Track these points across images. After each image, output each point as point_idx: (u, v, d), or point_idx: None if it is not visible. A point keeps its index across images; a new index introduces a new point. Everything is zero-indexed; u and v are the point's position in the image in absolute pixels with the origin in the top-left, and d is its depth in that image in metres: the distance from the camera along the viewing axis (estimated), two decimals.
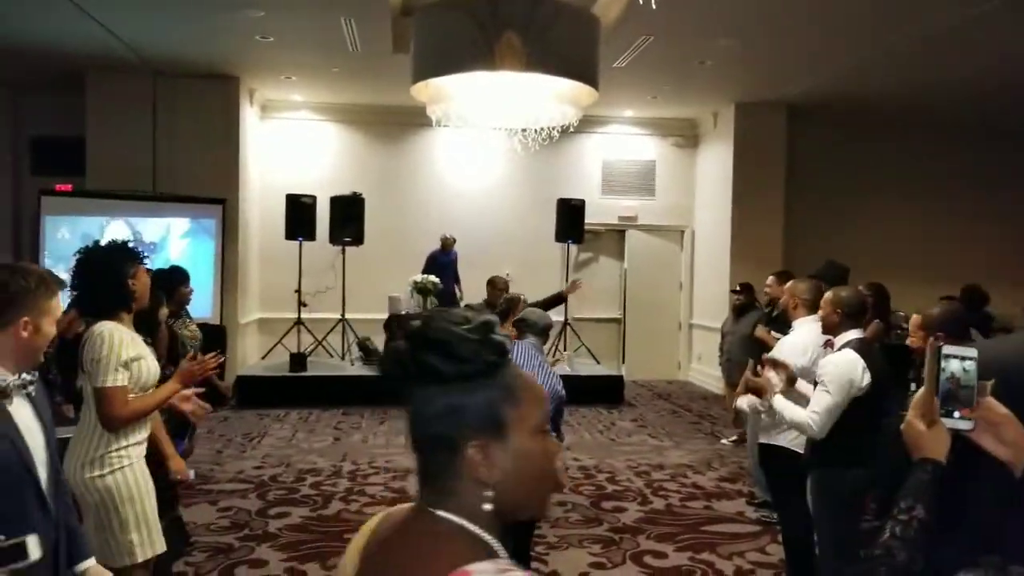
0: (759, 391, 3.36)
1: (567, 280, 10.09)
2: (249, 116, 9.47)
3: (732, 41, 7.18)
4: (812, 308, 3.72)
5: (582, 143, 10.33)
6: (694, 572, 4.15)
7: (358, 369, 9.19)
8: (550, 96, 6.27)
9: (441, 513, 0.96)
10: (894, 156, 10.34)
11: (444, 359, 0.96)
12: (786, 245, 9.70)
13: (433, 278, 8.95)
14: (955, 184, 10.39)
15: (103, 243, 2.79)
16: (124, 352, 2.54)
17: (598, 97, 6.37)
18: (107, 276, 2.62)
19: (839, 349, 3.19)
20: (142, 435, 2.66)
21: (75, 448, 2.57)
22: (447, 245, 9.56)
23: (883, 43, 7.13)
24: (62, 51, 7.83)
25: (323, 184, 9.62)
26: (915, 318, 3.29)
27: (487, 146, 10.19)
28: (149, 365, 2.65)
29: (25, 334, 1.86)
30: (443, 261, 9.55)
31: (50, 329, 1.94)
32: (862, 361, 3.06)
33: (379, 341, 9.33)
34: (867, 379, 3.05)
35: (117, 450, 2.55)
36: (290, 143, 10.17)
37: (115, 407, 2.50)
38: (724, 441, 7.14)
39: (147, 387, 2.65)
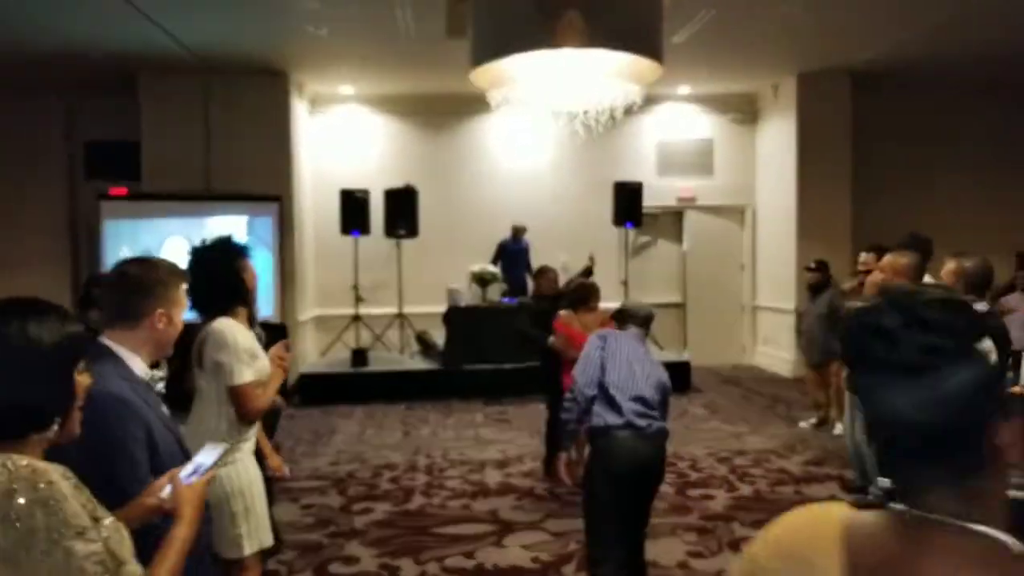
0: None
1: (626, 265, 9.89)
2: (299, 111, 9.44)
3: (794, 8, 6.88)
4: (916, 282, 3.50)
5: (637, 123, 10.06)
6: None
7: (418, 363, 9.11)
8: (613, 73, 6.07)
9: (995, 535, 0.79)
10: (962, 125, 9.89)
11: (947, 337, 0.84)
12: (854, 221, 9.34)
13: (492, 268, 8.83)
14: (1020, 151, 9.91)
15: (209, 240, 2.73)
16: (247, 347, 2.53)
17: (662, 72, 6.14)
18: (221, 272, 2.58)
19: None
20: (252, 431, 2.61)
21: (192, 443, 2.51)
22: (518, 233, 9.43)
23: (949, 7, 6.78)
24: (113, 53, 7.84)
25: (376, 177, 9.55)
26: (950, 264, 3.13)
27: (539, 131, 10.01)
28: (263, 358, 2.60)
29: (160, 326, 1.90)
30: (513, 249, 9.42)
31: (180, 320, 1.98)
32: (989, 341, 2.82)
33: (438, 335, 9.24)
34: (993, 359, 2.81)
35: (232, 445, 2.48)
36: (340, 137, 10.11)
37: (253, 402, 2.54)
38: (803, 424, 6.88)
39: (263, 381, 2.60)
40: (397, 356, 9.45)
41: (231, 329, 2.55)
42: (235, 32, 7.40)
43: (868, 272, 4.76)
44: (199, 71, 8.43)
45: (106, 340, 1.85)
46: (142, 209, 8.56)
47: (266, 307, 8.36)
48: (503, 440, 6.62)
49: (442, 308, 9.02)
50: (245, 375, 2.51)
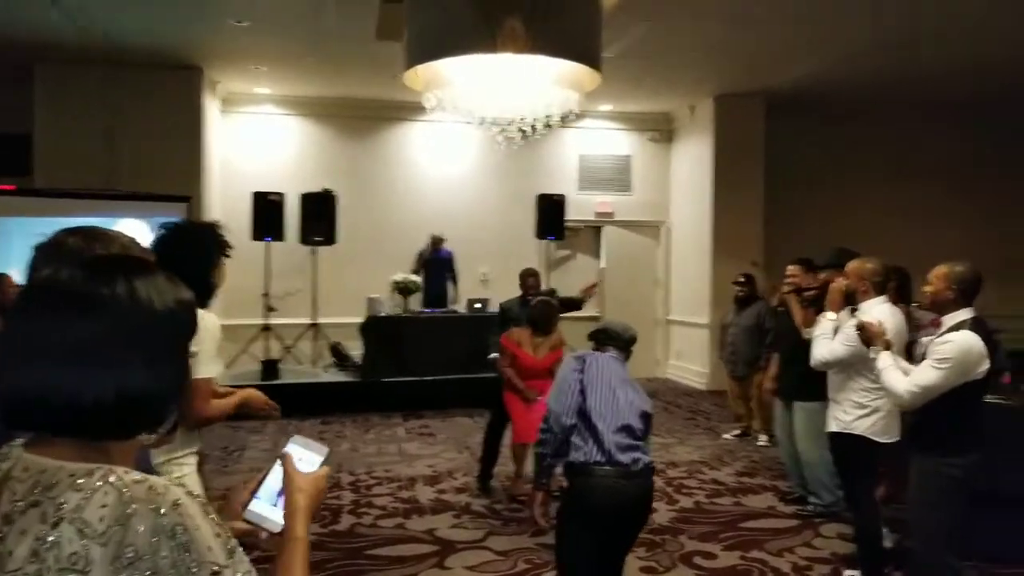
0: (869, 338, 3.19)
1: (547, 278, 9.84)
2: (211, 110, 8.93)
3: (724, 28, 7.06)
4: (881, 289, 3.56)
5: (559, 137, 10.09)
6: (751, 572, 3.93)
7: (333, 376, 8.74)
8: (552, 80, 6.01)
9: None
10: (870, 143, 10.43)
11: None
12: (767, 237, 9.66)
13: (415, 277, 8.59)
14: (932, 168, 10.53)
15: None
16: (215, 342, 2.26)
17: (600, 81, 6.13)
18: (196, 261, 2.25)
19: (951, 329, 2.98)
20: (197, 442, 2.31)
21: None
22: (436, 244, 9.21)
23: (862, 36, 7.12)
24: (7, 40, 7.19)
25: (291, 181, 9.15)
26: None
27: (463, 141, 9.91)
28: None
29: None
30: (434, 259, 9.19)
31: None
32: (983, 345, 2.87)
33: (354, 346, 8.91)
34: (985, 365, 2.87)
35: (179, 458, 2.18)
36: (254, 139, 9.65)
37: (201, 401, 2.23)
38: (727, 436, 6.99)
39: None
40: (310, 368, 9.04)
41: (208, 319, 2.23)
42: (145, 23, 6.91)
43: (798, 286, 4.84)
44: (103, 63, 7.83)
45: None
46: (33, 206, 7.83)
47: None
48: (430, 455, 6.39)
49: (358, 318, 8.70)
50: (202, 370, 2.23)
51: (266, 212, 8.63)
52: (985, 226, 10.52)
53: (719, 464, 6.05)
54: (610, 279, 10.58)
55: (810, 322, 4.56)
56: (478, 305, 8.79)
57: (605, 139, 10.60)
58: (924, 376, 2.88)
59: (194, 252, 2.32)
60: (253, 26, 6.88)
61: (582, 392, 2.87)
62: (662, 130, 10.72)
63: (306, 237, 8.87)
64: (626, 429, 2.83)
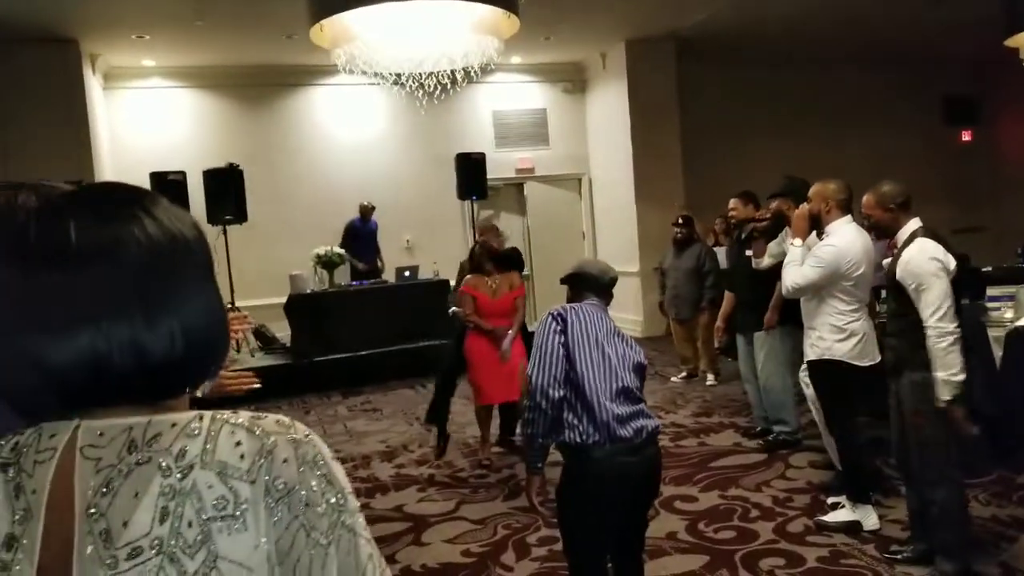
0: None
1: (473, 240, 9.58)
2: (93, 86, 8.16)
3: None
4: (846, 209, 3.51)
5: (471, 94, 9.76)
6: (735, 510, 3.88)
7: (261, 360, 8.27)
8: (469, 27, 5.70)
9: None
10: (780, 88, 10.57)
11: None
12: (687, 182, 9.69)
13: (339, 249, 8.18)
14: (837, 110, 10.79)
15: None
16: None
17: (519, 26, 5.87)
18: None
19: (907, 243, 2.96)
20: None
21: None
22: (366, 213, 8.81)
23: None
24: None
25: (192, 158, 8.52)
26: (867, 197, 3.15)
27: (372, 103, 9.47)
28: None
29: None
30: (363, 231, 8.79)
31: None
32: (940, 246, 2.88)
33: (279, 327, 8.45)
34: (952, 261, 2.87)
35: None
36: (145, 115, 8.92)
37: None
38: (674, 379, 6.99)
39: None
40: (235, 355, 8.50)
41: None
42: None
43: (745, 219, 4.78)
44: None
45: None
46: None
47: None
48: (379, 431, 6.11)
49: (281, 299, 8.24)
50: None
51: (167, 192, 7.93)
52: (886, 161, 10.90)
53: (674, 407, 6.03)
54: (536, 236, 10.43)
55: (761, 252, 4.51)
56: (407, 273, 8.48)
57: (518, 93, 10.35)
58: (931, 301, 2.84)
59: None
60: None
61: (567, 357, 2.50)
62: (575, 80, 10.55)
63: (214, 216, 8.28)
64: (624, 393, 2.50)
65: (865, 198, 3.16)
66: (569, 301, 2.76)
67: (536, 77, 10.37)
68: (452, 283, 8.62)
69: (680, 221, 6.80)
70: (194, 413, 0.76)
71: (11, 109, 7.31)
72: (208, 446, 0.73)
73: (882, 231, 3.14)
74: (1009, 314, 4.70)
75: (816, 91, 10.73)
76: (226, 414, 0.76)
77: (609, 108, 10.05)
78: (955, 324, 2.80)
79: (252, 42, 8.10)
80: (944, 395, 2.84)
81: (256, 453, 0.73)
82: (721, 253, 7.96)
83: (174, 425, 0.74)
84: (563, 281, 2.90)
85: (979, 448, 3.69)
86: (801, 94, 10.68)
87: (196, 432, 0.74)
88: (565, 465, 2.55)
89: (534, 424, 2.50)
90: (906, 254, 2.93)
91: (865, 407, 3.89)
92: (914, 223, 3.03)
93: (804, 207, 3.56)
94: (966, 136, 12.01)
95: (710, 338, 6.77)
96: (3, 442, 0.75)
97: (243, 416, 0.76)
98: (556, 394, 2.46)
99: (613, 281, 2.84)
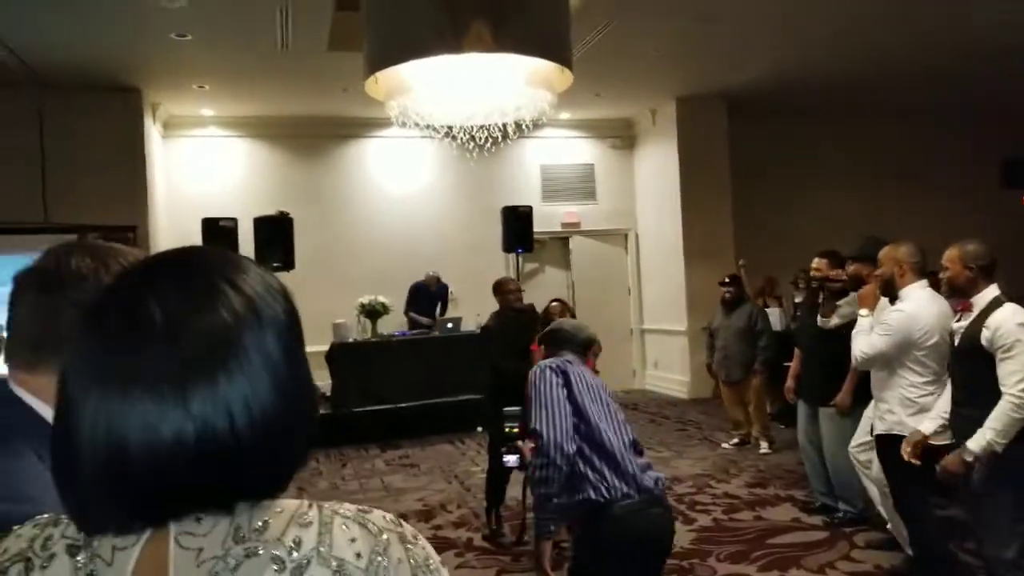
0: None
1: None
2: (152, 134, 8.37)
3: (683, 29, 6.86)
4: (922, 273, 3.32)
5: (520, 148, 9.79)
6: None
7: None
8: (522, 81, 5.69)
9: None
10: (831, 143, 10.39)
11: None
12: (737, 240, 9.50)
13: (383, 298, 8.12)
14: (889, 167, 10.56)
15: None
16: None
17: (572, 80, 5.84)
18: None
19: (989, 306, 2.77)
20: None
21: None
22: (430, 283, 8.86)
23: (817, 37, 7.04)
24: None
25: (244, 205, 8.60)
26: (951, 251, 2.97)
27: (421, 155, 9.55)
28: None
29: None
30: (429, 294, 8.86)
31: None
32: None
33: (320, 376, 8.38)
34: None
35: None
36: (201, 163, 9.11)
37: None
38: (726, 445, 6.70)
39: None
40: None
41: None
42: (78, 39, 6.37)
43: (825, 278, 4.53)
44: (30, 85, 7.22)
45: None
46: None
47: None
48: (416, 487, 5.94)
49: (323, 347, 8.19)
50: None
51: (218, 239, 8.06)
52: (941, 223, 10.57)
53: (726, 476, 5.74)
54: (580, 289, 10.29)
55: (828, 313, 4.29)
56: (450, 325, 8.39)
57: (566, 148, 10.35)
58: (1016, 370, 2.64)
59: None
60: (194, 40, 6.39)
61: (576, 411, 2.43)
62: (623, 136, 10.52)
63: (262, 263, 8.19)
64: (634, 445, 2.46)
65: (948, 252, 2.98)
66: (546, 358, 2.70)
67: (585, 132, 10.38)
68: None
69: (727, 280, 6.62)
70: (301, 501, 0.69)
71: (73, 153, 7.50)
72: (322, 539, 0.67)
73: (955, 289, 2.94)
74: None
75: (866, 148, 10.50)
76: (332, 504, 0.71)
77: (658, 164, 9.97)
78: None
79: (308, 94, 8.26)
80: (977, 451, 2.68)
81: (372, 551, 0.68)
82: (772, 314, 7.79)
83: (282, 511, 0.67)
84: (540, 340, 2.88)
85: None
86: (850, 150, 10.47)
87: (307, 522, 0.67)
88: (583, 528, 2.39)
89: (548, 482, 2.35)
90: (995, 318, 2.75)
91: (937, 485, 3.63)
92: (993, 289, 2.87)
93: (871, 284, 3.40)
94: None
95: (762, 402, 6.51)
96: (65, 519, 0.66)
97: (350, 508, 0.71)
98: (571, 448, 2.36)
99: (589, 340, 2.80)
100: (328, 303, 8.67)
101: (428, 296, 8.81)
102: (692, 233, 9.40)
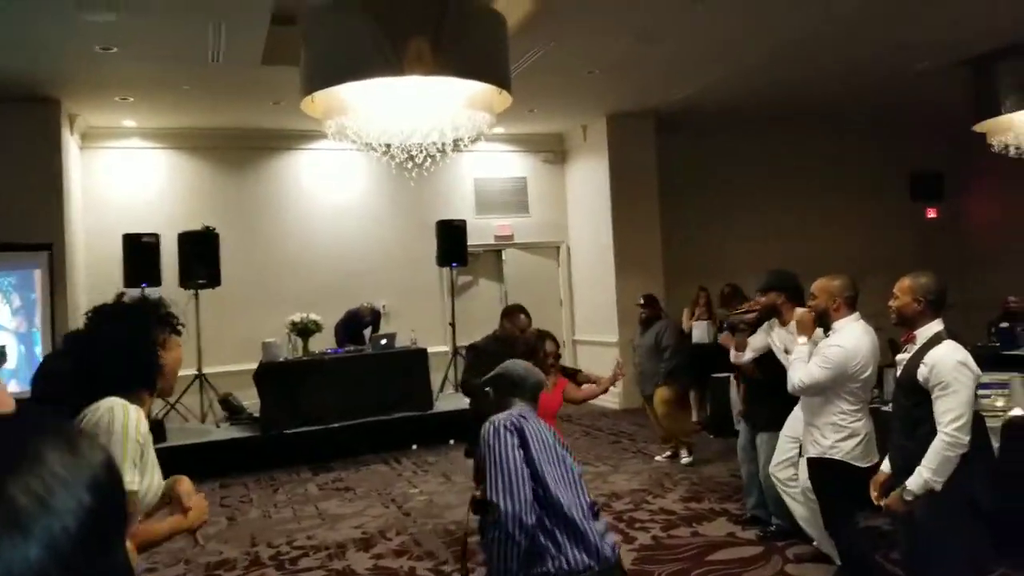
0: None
1: (452, 306, 9.47)
2: (70, 146, 7.99)
3: (617, 49, 6.99)
4: (853, 306, 3.47)
5: (453, 162, 9.70)
6: None
7: (227, 432, 7.96)
8: (462, 103, 5.70)
9: None
10: (757, 159, 10.77)
11: None
12: (666, 252, 9.74)
13: (316, 316, 7.96)
14: (812, 182, 11.02)
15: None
16: (138, 440, 1.77)
17: (511, 101, 5.90)
18: (130, 340, 1.78)
19: (930, 342, 2.85)
20: None
21: None
22: (364, 313, 8.76)
23: (747, 57, 7.31)
24: None
25: (167, 221, 8.35)
26: (904, 281, 2.99)
27: (353, 168, 9.43)
28: (156, 476, 1.84)
29: None
30: (361, 323, 8.74)
31: None
32: (967, 352, 2.79)
33: (248, 396, 8.18)
34: (978, 370, 2.79)
35: None
36: (121, 176, 8.74)
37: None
38: (659, 458, 6.85)
39: (148, 507, 1.83)
40: (197, 425, 8.20)
41: (123, 408, 1.81)
42: None
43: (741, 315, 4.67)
44: None
45: None
46: None
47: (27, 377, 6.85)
48: (353, 513, 5.85)
49: (251, 366, 7.99)
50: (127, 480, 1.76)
51: (140, 255, 7.81)
52: (858, 233, 11.14)
53: (661, 490, 5.87)
54: (513, 301, 10.30)
55: (741, 347, 4.41)
56: (384, 341, 8.30)
57: (500, 162, 10.40)
58: (952, 408, 2.72)
59: (123, 332, 1.90)
60: (121, 52, 6.15)
61: (534, 474, 2.23)
62: (556, 151, 10.65)
63: (186, 280, 8.09)
64: (592, 507, 2.32)
65: (900, 281, 3.02)
66: (498, 407, 2.52)
67: (518, 147, 10.45)
68: (429, 351, 8.49)
69: (642, 301, 6.90)
70: None
71: None
72: None
73: (903, 320, 3.00)
74: (1000, 403, 4.67)
75: (787, 164, 10.93)
76: None
77: (589, 178, 10.13)
78: (968, 438, 2.70)
79: (238, 106, 8.06)
80: (915, 491, 2.76)
81: None
82: (700, 327, 8.03)
83: None
84: (484, 384, 2.72)
85: (982, 543, 3.61)
86: (775, 165, 10.88)
87: None
88: None
89: (507, 559, 2.16)
90: (933, 355, 2.80)
91: (863, 501, 3.81)
92: (937, 324, 2.91)
93: (809, 309, 3.52)
94: (931, 212, 12.31)
95: (672, 412, 6.72)
96: None
97: None
98: (531, 520, 2.18)
99: (538, 385, 2.63)
100: (257, 321, 8.48)
101: (360, 324, 8.72)
102: (623, 246, 9.58)
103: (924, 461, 2.73)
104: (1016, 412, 4.43)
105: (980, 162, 9.39)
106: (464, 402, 8.36)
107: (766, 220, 10.71)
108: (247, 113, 8.28)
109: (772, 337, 4.19)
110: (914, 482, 2.76)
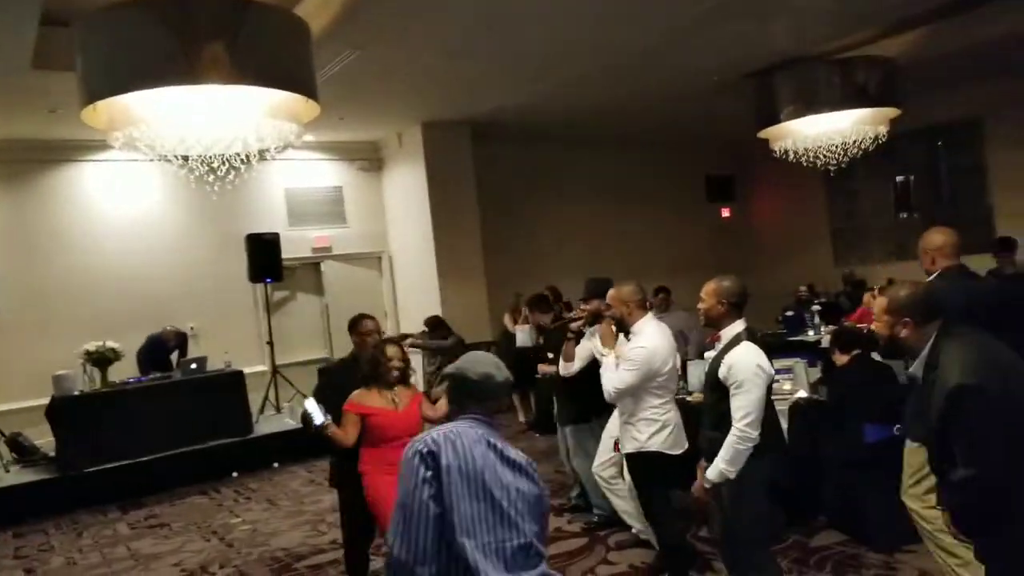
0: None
1: (268, 324, 9.06)
2: None
3: (438, 60, 7.03)
4: (645, 307, 3.74)
5: (261, 172, 9.30)
6: None
7: (18, 476, 7.12)
8: (265, 112, 5.45)
9: None
10: (570, 166, 11.25)
11: None
12: (487, 259, 9.89)
13: (113, 344, 7.29)
14: (621, 187, 11.68)
15: None
16: None
17: (319, 111, 5.73)
18: None
19: (731, 343, 3.08)
20: None
21: None
22: (168, 337, 8.19)
23: (557, 70, 7.63)
24: None
25: None
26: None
27: (149, 179, 8.75)
28: None
29: None
30: (166, 348, 8.22)
31: None
32: (762, 353, 3.03)
33: (40, 434, 7.38)
34: (772, 370, 3.06)
35: None
36: None
37: None
38: None
39: None
40: None
41: None
42: None
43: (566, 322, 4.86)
44: None
45: None
46: None
47: None
48: (170, 551, 5.43)
49: (42, 401, 7.23)
50: None
51: None
52: (661, 232, 12.00)
53: None
54: (336, 316, 10.06)
55: (570, 357, 4.53)
56: (193, 366, 7.79)
57: (312, 171, 10.09)
58: (746, 403, 2.95)
59: None
60: None
61: (441, 514, 1.92)
62: (371, 159, 10.49)
63: None
64: (523, 551, 1.93)
65: (706, 285, 3.21)
66: (450, 414, 2.18)
67: (331, 155, 10.18)
68: (246, 372, 8.07)
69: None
70: None
71: None
72: None
73: (710, 321, 3.21)
74: (787, 386, 5.18)
75: (598, 171, 11.51)
76: None
77: (407, 186, 10.06)
78: (758, 432, 2.95)
79: (7, 115, 7.21)
80: (714, 479, 3.02)
81: None
82: (523, 331, 8.25)
83: None
84: (440, 381, 2.51)
85: (776, 517, 3.99)
86: (585, 173, 11.42)
87: None
88: None
89: None
90: (732, 356, 3.02)
91: (676, 483, 4.08)
92: (739, 324, 3.12)
93: (606, 323, 3.76)
94: (725, 212, 13.44)
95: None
96: None
97: None
98: (426, 573, 1.91)
99: (502, 386, 2.18)
100: (45, 352, 7.69)
101: (165, 349, 8.15)
102: (444, 254, 9.61)
103: (720, 453, 2.97)
104: (801, 394, 4.94)
105: (764, 165, 10.34)
106: (289, 423, 8.08)
107: (579, 225, 11.24)
108: (19, 123, 7.44)
109: (595, 342, 4.36)
110: (712, 472, 3.02)
